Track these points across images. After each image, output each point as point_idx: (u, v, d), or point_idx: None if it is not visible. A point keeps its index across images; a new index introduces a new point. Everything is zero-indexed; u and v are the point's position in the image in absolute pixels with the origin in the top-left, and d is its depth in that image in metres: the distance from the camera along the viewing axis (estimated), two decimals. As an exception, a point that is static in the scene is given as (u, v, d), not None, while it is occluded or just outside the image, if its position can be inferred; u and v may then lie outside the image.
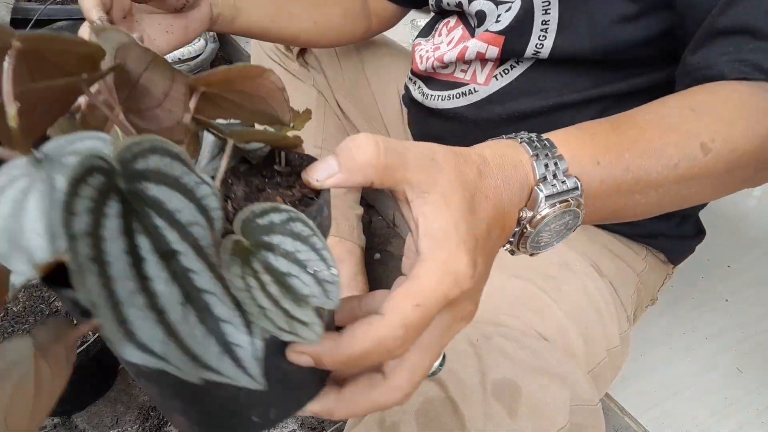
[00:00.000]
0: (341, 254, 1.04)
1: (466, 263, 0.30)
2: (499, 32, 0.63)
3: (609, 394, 0.78)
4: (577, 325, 0.60)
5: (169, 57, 1.23)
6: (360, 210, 1.10)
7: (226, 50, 1.96)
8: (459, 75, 0.70)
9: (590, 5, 0.57)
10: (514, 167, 0.36)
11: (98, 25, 0.32)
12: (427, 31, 0.79)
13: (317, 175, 0.30)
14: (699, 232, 0.78)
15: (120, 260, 0.19)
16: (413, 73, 0.79)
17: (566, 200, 0.36)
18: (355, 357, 0.28)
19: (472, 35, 0.69)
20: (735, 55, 0.45)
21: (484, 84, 0.67)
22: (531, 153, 0.36)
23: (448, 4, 0.72)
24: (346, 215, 1.07)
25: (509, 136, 0.39)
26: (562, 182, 0.36)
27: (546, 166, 0.36)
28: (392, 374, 0.31)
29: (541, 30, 0.60)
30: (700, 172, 0.42)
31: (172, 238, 0.21)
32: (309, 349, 0.28)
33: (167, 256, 0.20)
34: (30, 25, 1.53)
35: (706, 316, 0.88)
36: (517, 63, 0.65)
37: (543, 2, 0.60)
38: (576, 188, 0.37)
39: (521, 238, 0.37)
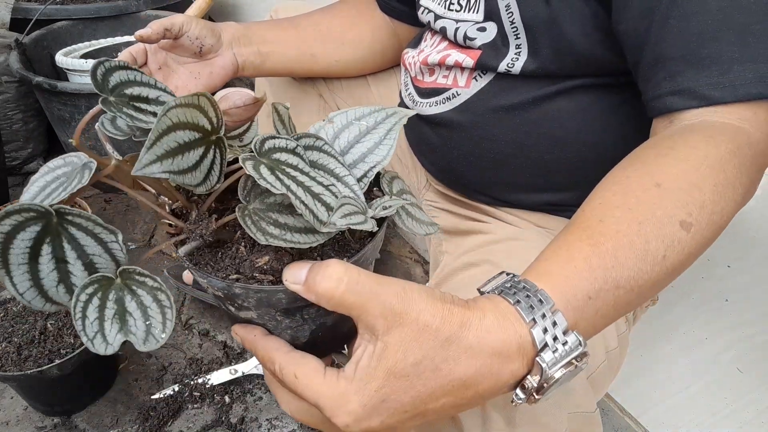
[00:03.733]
0: None
1: (350, 410, 0.33)
2: (478, 47, 0.66)
3: (609, 394, 0.78)
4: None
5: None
6: None
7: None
8: (441, 81, 0.72)
9: (555, 31, 0.58)
10: (513, 346, 0.34)
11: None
12: (415, 43, 0.81)
13: (287, 277, 0.34)
14: None
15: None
16: (406, 79, 0.81)
17: (571, 362, 0.35)
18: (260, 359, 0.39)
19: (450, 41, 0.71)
20: (673, 86, 0.46)
21: (465, 87, 0.69)
22: (527, 319, 0.34)
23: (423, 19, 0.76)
24: None
25: (502, 289, 0.37)
26: (564, 343, 0.34)
27: (545, 330, 0.34)
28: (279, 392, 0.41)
29: (515, 53, 0.63)
30: (689, 251, 0.40)
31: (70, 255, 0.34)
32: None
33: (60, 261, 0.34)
34: (30, 25, 1.53)
35: (706, 316, 0.88)
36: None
37: (512, 27, 0.62)
38: (579, 344, 0.35)
39: (529, 399, 0.36)
